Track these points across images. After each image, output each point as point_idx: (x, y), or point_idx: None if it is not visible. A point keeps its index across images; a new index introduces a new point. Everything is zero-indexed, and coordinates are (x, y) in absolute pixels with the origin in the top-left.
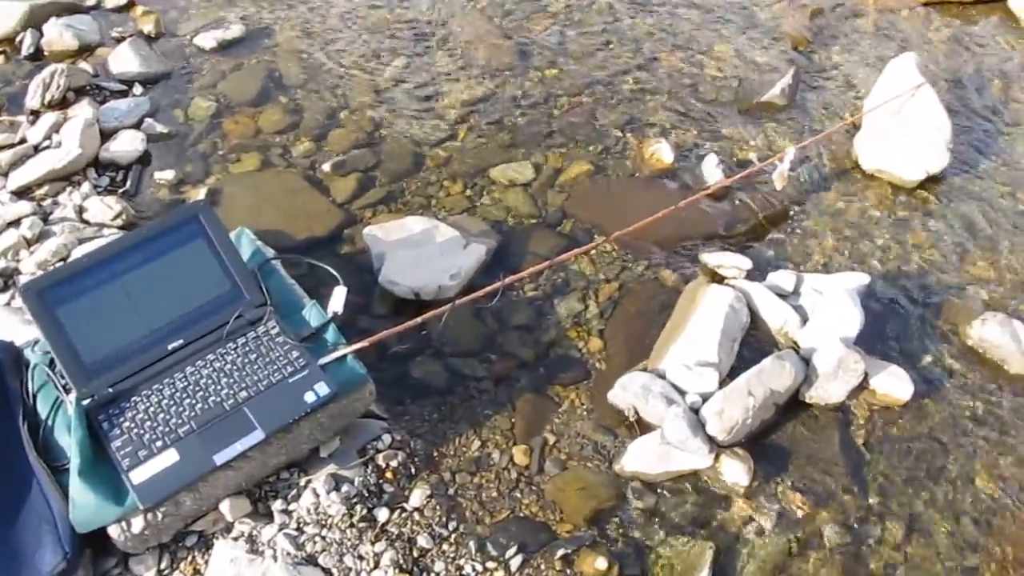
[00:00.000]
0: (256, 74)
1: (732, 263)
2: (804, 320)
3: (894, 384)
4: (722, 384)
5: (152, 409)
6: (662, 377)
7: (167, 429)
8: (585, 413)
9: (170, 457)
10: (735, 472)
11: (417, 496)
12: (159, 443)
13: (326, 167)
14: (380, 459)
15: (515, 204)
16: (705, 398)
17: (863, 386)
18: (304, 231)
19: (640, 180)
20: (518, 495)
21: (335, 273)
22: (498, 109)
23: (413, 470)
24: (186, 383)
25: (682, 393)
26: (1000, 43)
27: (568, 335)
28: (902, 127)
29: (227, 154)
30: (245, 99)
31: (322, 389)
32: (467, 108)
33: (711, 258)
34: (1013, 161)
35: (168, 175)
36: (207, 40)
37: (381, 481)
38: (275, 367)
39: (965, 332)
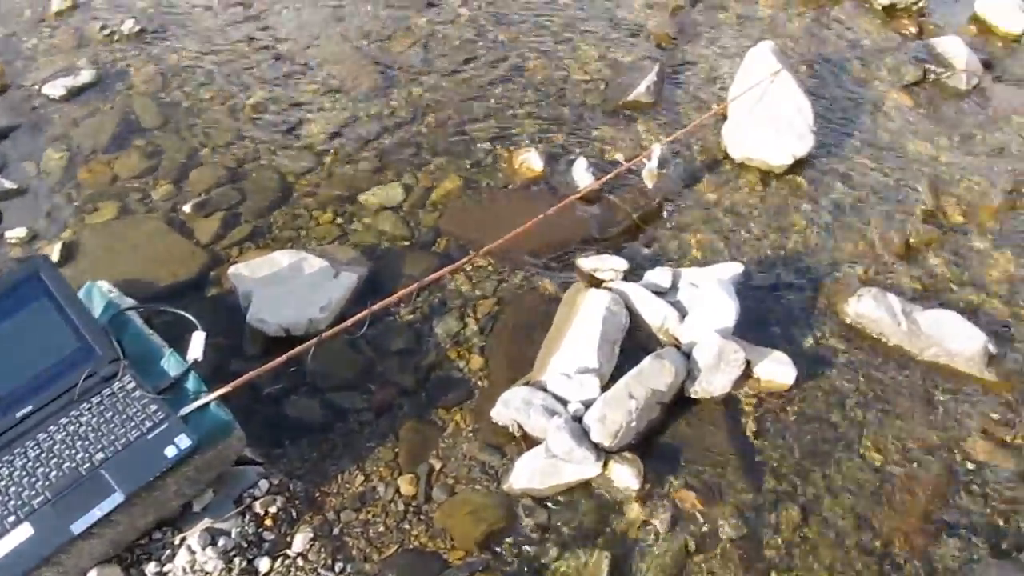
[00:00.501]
0: (110, 119)
1: (608, 265)
2: (683, 315)
3: (777, 370)
4: (604, 389)
5: (2, 483)
6: (544, 389)
7: (19, 503)
8: (471, 434)
9: (24, 532)
10: (625, 477)
11: (300, 540)
12: (11, 519)
13: (187, 208)
14: (258, 506)
15: (387, 228)
16: (587, 405)
17: (747, 375)
18: (168, 277)
19: (512, 191)
20: (407, 527)
21: (191, 318)
22: (365, 133)
23: (294, 514)
24: (38, 451)
25: (564, 403)
26: (857, 26)
27: (448, 356)
28: (766, 114)
29: (83, 205)
30: (100, 146)
31: (183, 441)
32: (333, 134)
33: (587, 262)
34: (874, 138)
35: (20, 232)
36: (56, 88)
37: (260, 529)
38: (133, 424)
39: (843, 310)
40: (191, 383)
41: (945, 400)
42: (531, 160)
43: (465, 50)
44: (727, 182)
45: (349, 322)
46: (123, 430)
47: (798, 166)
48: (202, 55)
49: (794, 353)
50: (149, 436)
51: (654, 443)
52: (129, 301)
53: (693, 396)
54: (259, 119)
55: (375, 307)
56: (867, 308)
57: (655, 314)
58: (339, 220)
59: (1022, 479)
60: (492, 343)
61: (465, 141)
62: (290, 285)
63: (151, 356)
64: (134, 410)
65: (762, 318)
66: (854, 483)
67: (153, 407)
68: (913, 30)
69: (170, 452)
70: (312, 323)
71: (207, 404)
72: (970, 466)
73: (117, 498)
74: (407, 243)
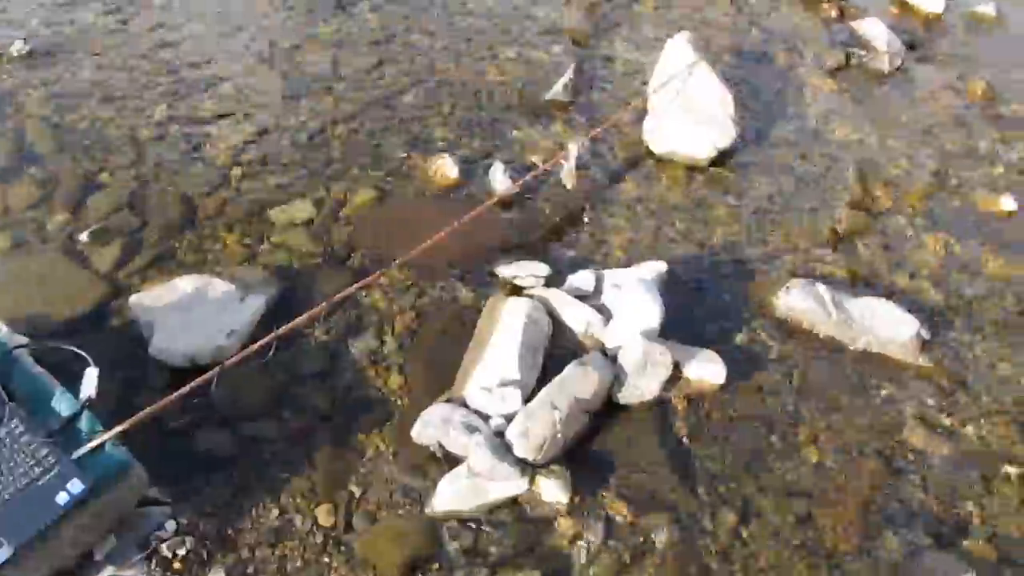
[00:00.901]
0: (0, 147)
1: (528, 272)
2: (608, 319)
3: (708, 369)
4: (528, 401)
5: None
6: (465, 405)
7: None
8: (391, 457)
9: None
10: (553, 491)
11: None
12: None
13: (85, 237)
14: (165, 549)
15: (298, 245)
16: (509, 419)
17: (677, 376)
18: (65, 310)
19: (427, 200)
20: (326, 559)
21: (83, 355)
22: (273, 146)
23: (206, 554)
24: None
25: (485, 418)
26: (777, 12)
27: (366, 375)
28: (686, 107)
29: None
30: None
31: (75, 487)
32: (239, 150)
33: (506, 270)
34: (799, 125)
35: None
36: None
37: (170, 574)
38: (21, 470)
39: (773, 304)
40: (85, 423)
41: (880, 390)
42: (446, 167)
43: (376, 55)
44: (650, 178)
45: (254, 347)
46: (10, 478)
47: (722, 158)
48: (98, 73)
49: (725, 351)
50: (40, 482)
51: (583, 454)
52: (18, 339)
53: (622, 402)
54: (160, 138)
55: (281, 331)
56: (796, 300)
57: (578, 319)
58: (247, 240)
59: (960, 465)
60: (411, 360)
61: (378, 150)
62: (195, 312)
63: (42, 396)
64: (22, 456)
65: (690, 317)
66: (791, 481)
67: (43, 451)
68: (834, 14)
69: (62, 499)
70: (219, 351)
71: (102, 444)
72: (908, 456)
73: (4, 552)
74: (319, 260)
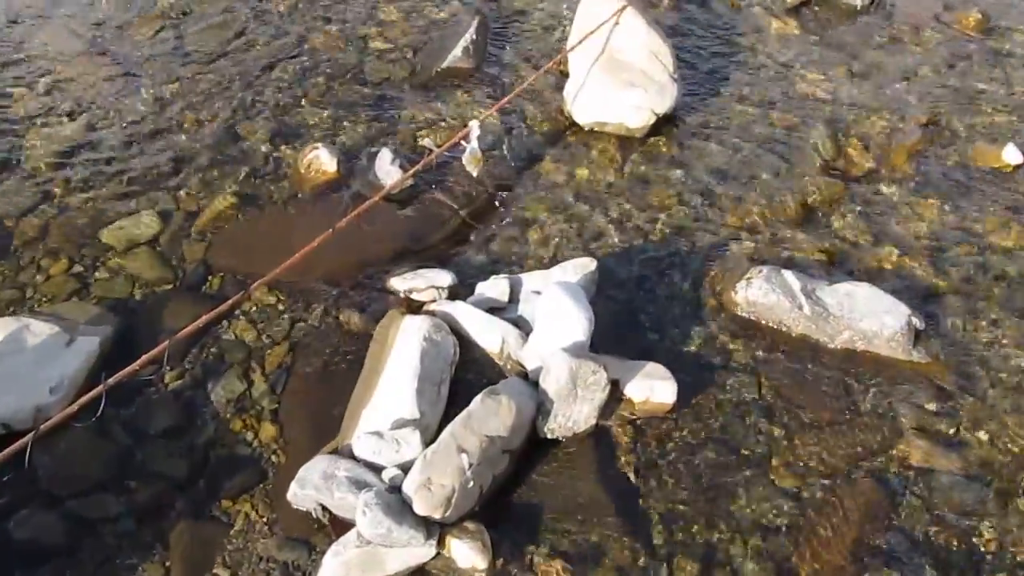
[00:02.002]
0: None
1: (427, 283)
2: (527, 333)
3: (654, 386)
4: (430, 445)
5: None
6: (352, 456)
7: None
8: (266, 528)
9: None
10: (469, 555)
11: None
12: None
13: None
14: None
15: (140, 270)
16: (407, 470)
17: (617, 398)
18: None
19: (300, 202)
20: None
21: None
22: (104, 149)
23: None
24: None
25: (377, 470)
26: None
27: (231, 428)
28: (614, 65)
29: None
30: None
31: None
32: (62, 157)
33: (401, 282)
34: (756, 78)
35: None
36: None
37: None
38: None
39: (731, 299)
40: None
41: (868, 396)
42: (322, 159)
43: (230, 28)
44: (574, 156)
45: (77, 405)
46: None
47: (662, 125)
48: None
49: (675, 362)
50: None
51: (504, 505)
52: None
53: (549, 436)
54: None
55: (114, 379)
56: (759, 293)
57: (491, 337)
58: (77, 268)
59: (969, 481)
60: (287, 403)
61: (237, 145)
62: (8, 363)
63: None
64: None
65: (629, 323)
66: (765, 517)
67: None
68: None
69: None
70: (40, 410)
71: None
72: (907, 474)
73: None
74: (168, 286)
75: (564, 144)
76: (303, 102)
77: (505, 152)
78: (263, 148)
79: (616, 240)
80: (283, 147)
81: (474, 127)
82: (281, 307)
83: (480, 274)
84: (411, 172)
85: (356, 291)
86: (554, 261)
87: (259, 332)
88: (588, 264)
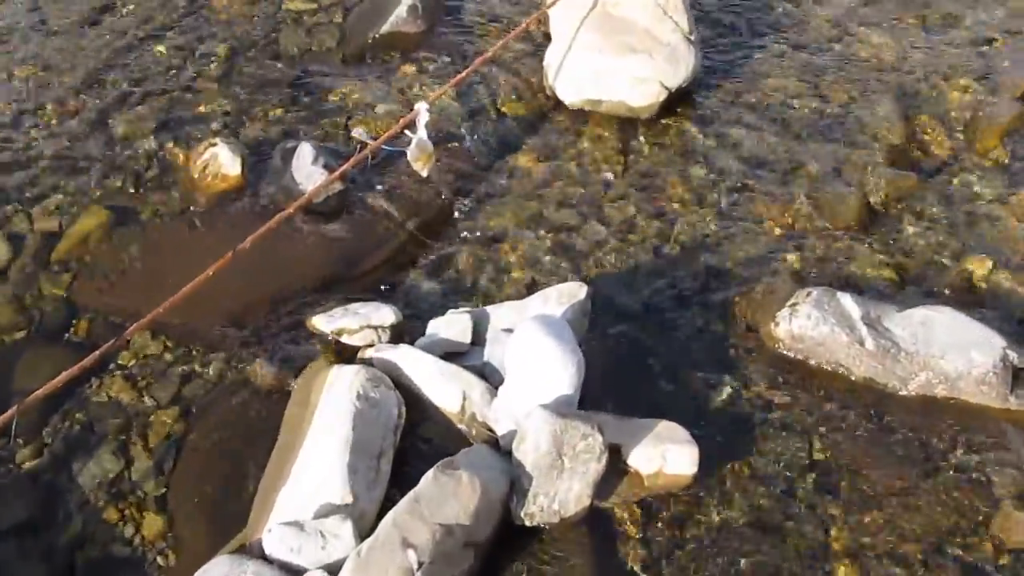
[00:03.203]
0: None
1: (362, 321)
2: (496, 385)
3: (669, 453)
4: (366, 538)
5: None
6: (263, 555)
7: None
8: None
9: None
10: None
11: None
12: None
13: None
14: None
15: None
16: (336, 571)
17: (620, 469)
18: None
19: (194, 216)
20: None
21: None
22: None
23: None
24: None
25: (297, 573)
26: None
27: (105, 520)
28: (610, 24)
29: None
30: None
31: None
32: None
33: (327, 321)
34: (800, 37)
35: None
36: None
37: None
38: None
39: (769, 333)
40: None
41: (952, 456)
42: (221, 159)
43: None
44: (560, 147)
45: None
46: None
47: (676, 103)
48: None
49: (695, 420)
50: None
51: None
52: None
53: (528, 523)
54: None
55: None
56: (807, 324)
57: (448, 392)
58: None
59: None
60: (178, 487)
61: (110, 143)
62: None
63: None
64: None
65: (634, 368)
66: None
67: None
68: None
69: None
70: None
71: None
72: (1002, 558)
73: None
74: (20, 333)
75: (545, 131)
76: (196, 84)
77: (466, 144)
78: (144, 146)
79: (615, 257)
80: (170, 144)
81: (422, 112)
82: (169, 357)
83: (433, 308)
84: (339, 173)
85: (268, 334)
86: (532, 288)
87: (140, 392)
88: (577, 291)
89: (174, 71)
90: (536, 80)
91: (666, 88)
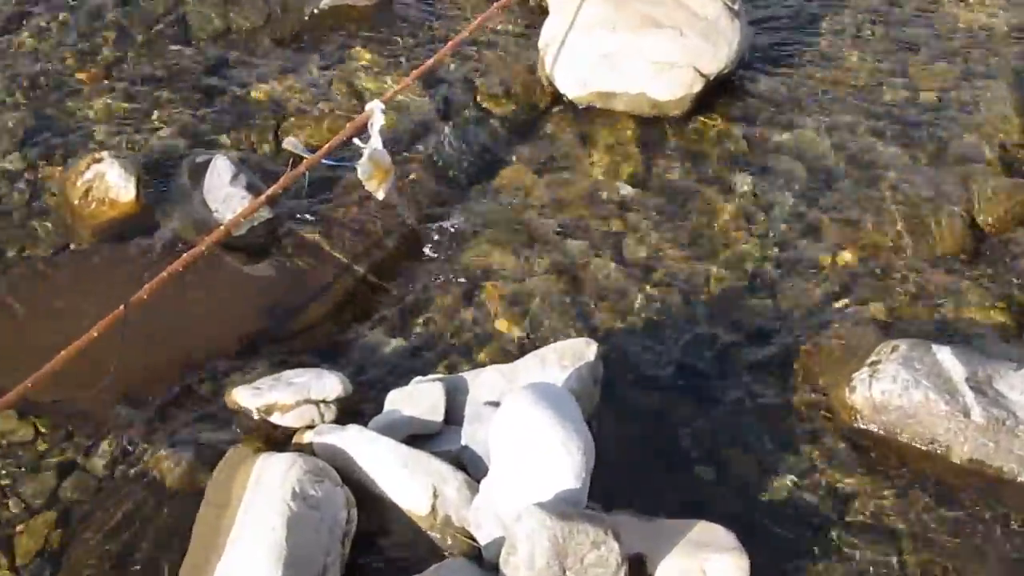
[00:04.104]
0: None
1: (299, 395)
2: (478, 478)
3: (710, 564)
4: None
5: None
6: None
7: None
8: None
9: None
10: None
11: None
12: None
13: None
14: None
15: None
16: None
17: None
18: None
19: (75, 255)
20: None
21: None
22: None
23: None
24: None
25: None
26: None
27: None
28: None
29: None
30: None
31: None
32: None
33: (252, 395)
34: (873, 6)
35: None
36: None
37: None
38: None
39: (843, 400)
40: None
41: None
42: (110, 180)
43: None
44: (561, 156)
45: None
46: None
47: (716, 95)
48: None
49: (744, 519)
50: None
51: None
52: None
53: None
54: None
55: None
56: (894, 388)
57: (414, 487)
58: None
59: None
60: None
61: None
62: None
63: None
64: None
65: (660, 451)
66: None
67: None
68: None
69: None
70: None
71: None
72: None
73: None
74: None
75: (541, 135)
76: (75, 80)
77: (436, 154)
78: (7, 164)
79: (635, 303)
80: (41, 162)
81: (376, 112)
82: (42, 446)
83: (394, 375)
84: (267, 195)
85: (173, 413)
86: (526, 347)
87: (3, 493)
88: (585, 349)
89: (45, 62)
90: (529, 68)
91: (702, 75)
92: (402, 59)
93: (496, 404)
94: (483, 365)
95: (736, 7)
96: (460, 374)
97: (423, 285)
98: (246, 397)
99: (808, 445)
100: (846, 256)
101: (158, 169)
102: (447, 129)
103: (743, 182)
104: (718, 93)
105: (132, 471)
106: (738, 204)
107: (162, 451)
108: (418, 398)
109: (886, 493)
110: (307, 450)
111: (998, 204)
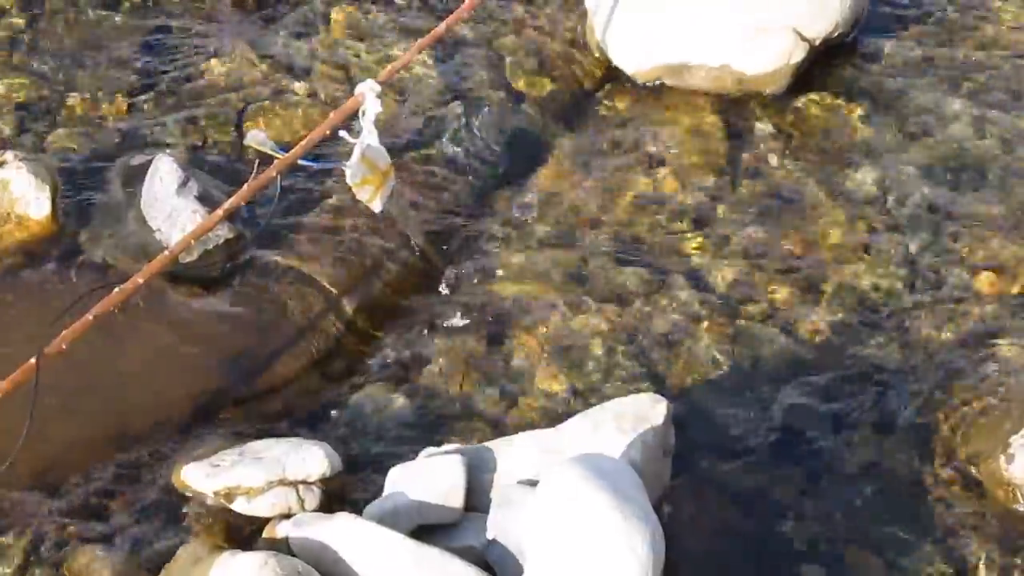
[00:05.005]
0: None
1: (272, 472)
2: None
3: None
4: None
5: None
6: None
7: None
8: None
9: None
10: None
11: None
12: None
13: None
14: None
15: None
16: None
17: None
18: None
19: None
20: None
21: None
22: None
23: None
24: None
25: None
26: None
27: None
28: None
29: None
30: None
31: None
32: None
33: (209, 474)
34: None
35: None
36: None
37: None
38: None
39: (997, 472)
40: None
41: None
42: (15, 191)
43: None
44: (617, 151)
45: None
46: None
47: (821, 69)
48: None
49: None
50: None
51: None
52: None
53: None
54: None
55: None
56: None
57: None
58: None
59: None
60: None
61: None
62: None
63: None
64: None
65: (751, 541)
66: None
67: None
68: None
69: None
70: None
71: None
72: None
73: None
74: None
75: (589, 123)
76: None
77: (450, 151)
78: None
79: (716, 347)
80: None
81: (370, 97)
82: None
83: (396, 445)
84: (226, 209)
85: (105, 500)
86: (570, 407)
87: None
88: (650, 409)
89: None
90: (574, 34)
91: (804, 41)
92: (404, 23)
93: (533, 483)
94: (515, 431)
95: None
96: (484, 444)
97: (433, 326)
98: (200, 477)
99: (949, 537)
100: (999, 282)
101: (80, 175)
102: (464, 117)
103: (860, 183)
104: (826, 64)
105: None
106: (853, 213)
107: (89, 552)
108: (429, 476)
109: None
110: (282, 547)
111: None
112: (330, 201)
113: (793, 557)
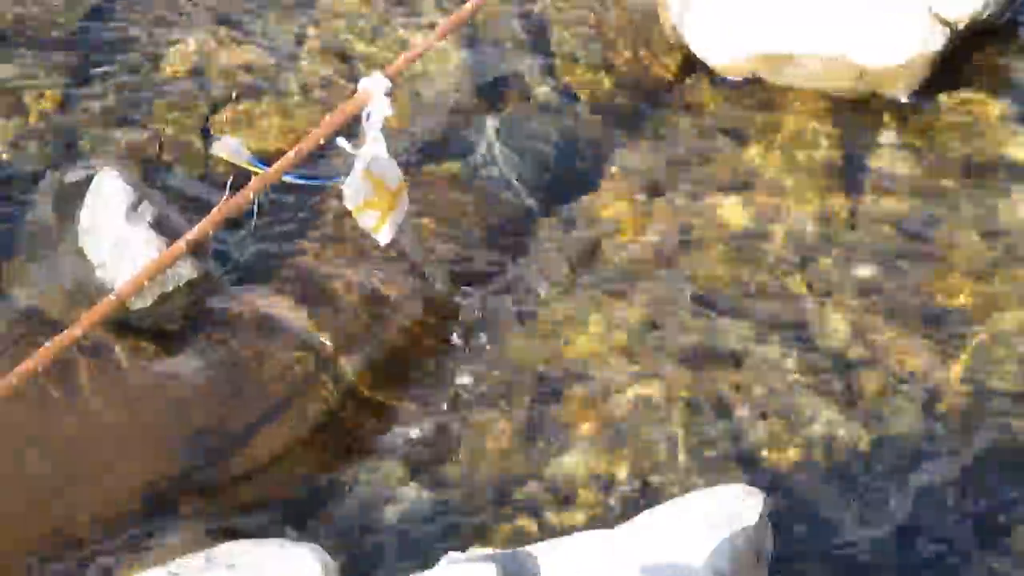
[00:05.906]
0: None
1: None
2: None
3: None
4: None
5: None
6: None
7: None
8: None
9: None
10: None
11: None
12: None
13: None
14: None
15: None
16: None
17: None
18: None
19: None
20: None
21: None
22: None
23: None
24: None
25: None
26: None
27: None
28: None
29: None
30: None
31: None
32: None
33: None
34: None
35: None
36: None
37: None
38: None
39: None
40: None
41: None
42: None
43: None
44: (694, 163)
45: None
46: None
47: (966, 61)
48: None
49: None
50: None
51: None
52: None
53: None
54: None
55: None
56: None
57: None
58: None
59: None
60: None
61: None
62: None
63: None
64: None
65: None
66: None
67: None
68: None
69: None
70: None
71: None
72: None
73: None
74: None
75: (662, 129)
76: None
77: (475, 165)
78: None
79: (826, 423)
80: None
81: (377, 96)
82: None
83: (408, 548)
84: (189, 240)
85: None
86: (637, 503)
87: None
88: (740, 504)
89: None
90: (643, 17)
91: (945, 24)
92: (421, 3)
93: None
94: (567, 531)
95: None
96: (524, 548)
97: (457, 394)
98: None
99: None
100: None
101: (3, 194)
102: (497, 122)
103: (1013, 211)
104: (973, 55)
105: None
106: (1006, 250)
107: None
108: None
109: None
110: None
111: None
112: (324, 230)
113: None
